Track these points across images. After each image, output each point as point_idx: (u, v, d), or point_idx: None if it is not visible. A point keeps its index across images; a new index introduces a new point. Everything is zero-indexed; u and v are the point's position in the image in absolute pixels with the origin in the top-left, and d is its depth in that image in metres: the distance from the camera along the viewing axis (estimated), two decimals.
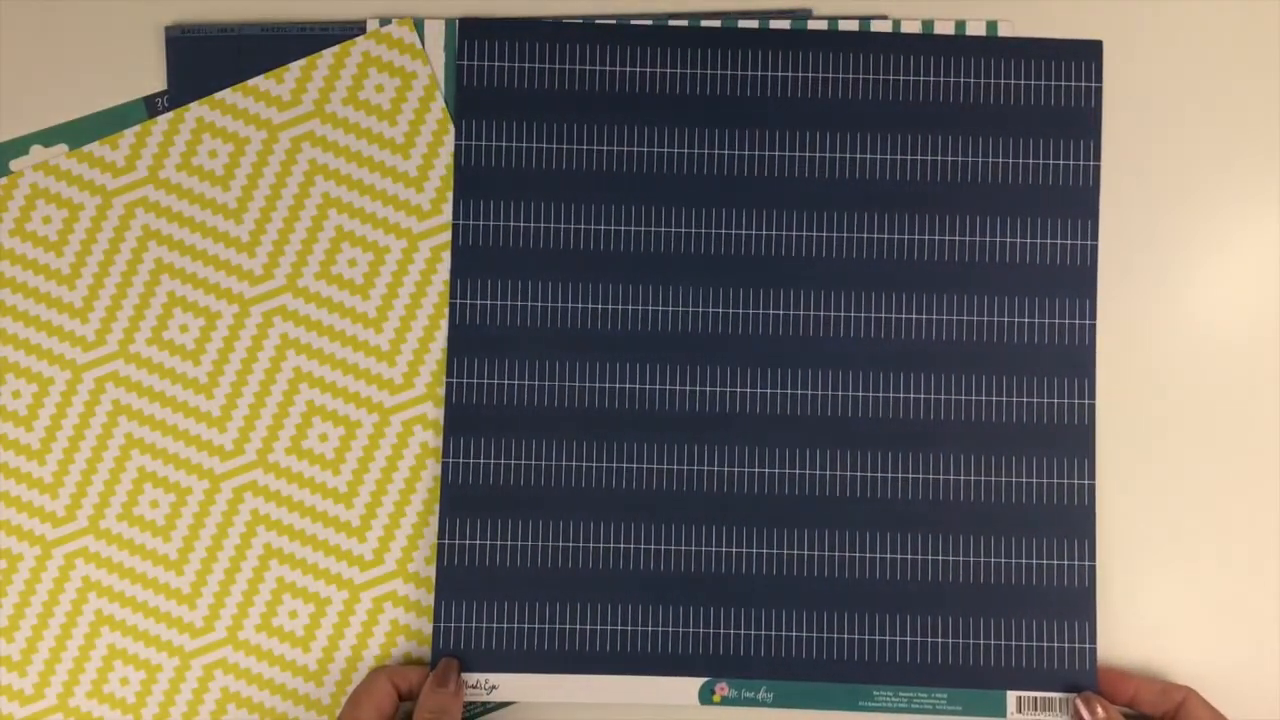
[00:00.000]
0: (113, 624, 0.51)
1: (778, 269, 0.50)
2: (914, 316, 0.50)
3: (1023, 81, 0.50)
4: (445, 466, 0.50)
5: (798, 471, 0.50)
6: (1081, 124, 0.50)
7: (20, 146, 0.51)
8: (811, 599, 0.49)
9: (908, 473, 0.50)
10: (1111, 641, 0.50)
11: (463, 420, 0.50)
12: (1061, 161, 0.50)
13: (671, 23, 0.51)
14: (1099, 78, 0.50)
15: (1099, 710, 0.47)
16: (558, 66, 0.51)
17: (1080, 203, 0.50)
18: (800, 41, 0.50)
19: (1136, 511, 0.50)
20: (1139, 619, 0.50)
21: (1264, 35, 0.51)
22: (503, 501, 0.50)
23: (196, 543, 0.51)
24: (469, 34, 0.51)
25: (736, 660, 0.50)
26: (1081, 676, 0.49)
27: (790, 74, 0.50)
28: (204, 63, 0.51)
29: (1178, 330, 0.51)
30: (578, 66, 0.51)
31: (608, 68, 0.51)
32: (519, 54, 0.51)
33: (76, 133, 0.51)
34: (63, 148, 0.51)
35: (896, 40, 0.50)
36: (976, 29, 0.50)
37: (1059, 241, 0.50)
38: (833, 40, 0.50)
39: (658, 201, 0.51)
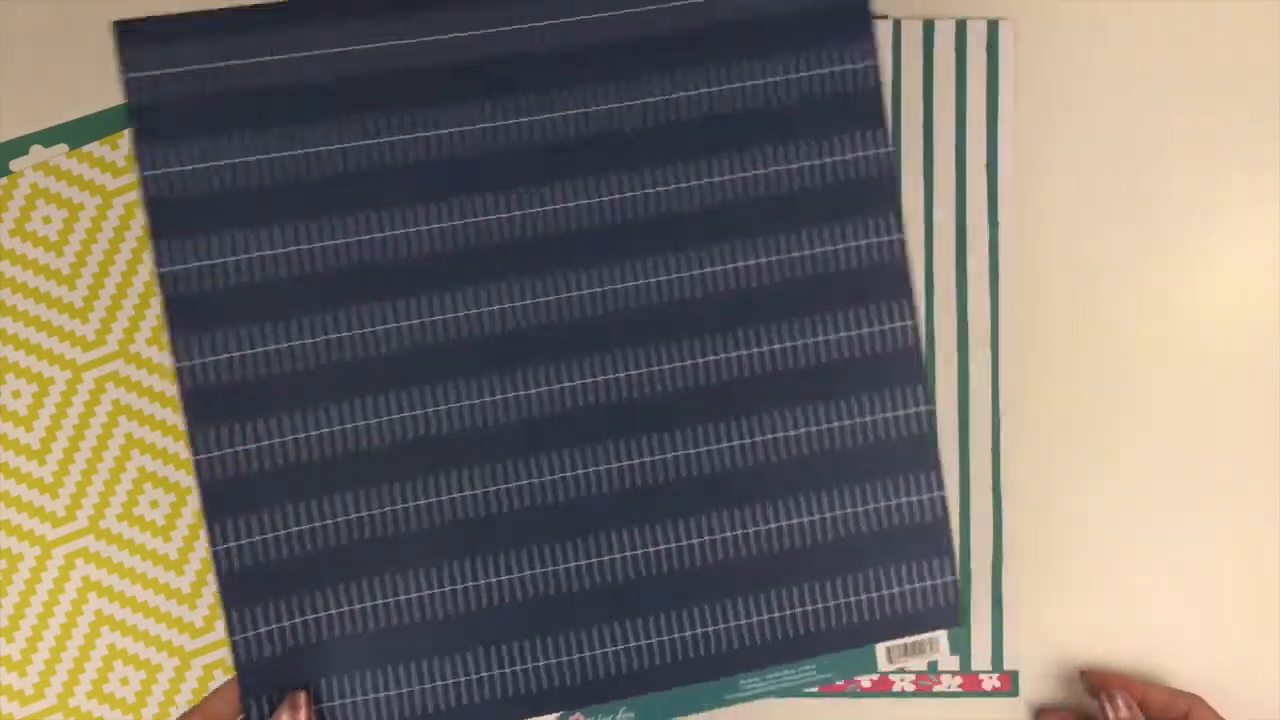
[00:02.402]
0: (113, 624, 0.51)
1: (550, 253, 0.46)
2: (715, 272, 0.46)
3: (791, 76, 0.46)
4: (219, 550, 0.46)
5: (608, 466, 0.46)
6: (866, 109, 0.46)
7: (20, 146, 0.51)
8: (653, 601, 0.46)
9: (727, 441, 0.46)
10: (1115, 646, 0.50)
11: (222, 498, 0.46)
12: (850, 156, 0.46)
13: None
14: (872, 55, 0.47)
15: (1121, 708, 0.45)
16: (244, 62, 0.45)
17: (879, 194, 0.47)
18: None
19: (1134, 509, 0.50)
20: (1140, 622, 0.50)
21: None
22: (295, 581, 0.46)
23: (196, 543, 0.51)
24: (129, 41, 0.45)
25: (588, 687, 0.46)
26: (946, 613, 0.47)
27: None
28: None
29: (1163, 328, 0.51)
30: (269, 58, 0.45)
31: (305, 54, 0.45)
32: (194, 54, 0.45)
33: (76, 133, 0.51)
34: (63, 148, 0.51)
35: (653, 54, 0.46)
36: (978, 29, 0.50)
37: (863, 242, 0.47)
38: (573, 64, 0.46)
39: (388, 200, 0.45)
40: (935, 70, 0.50)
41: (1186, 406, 0.51)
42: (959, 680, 0.48)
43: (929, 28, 0.50)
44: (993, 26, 0.50)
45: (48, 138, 0.51)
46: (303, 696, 0.45)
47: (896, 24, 0.50)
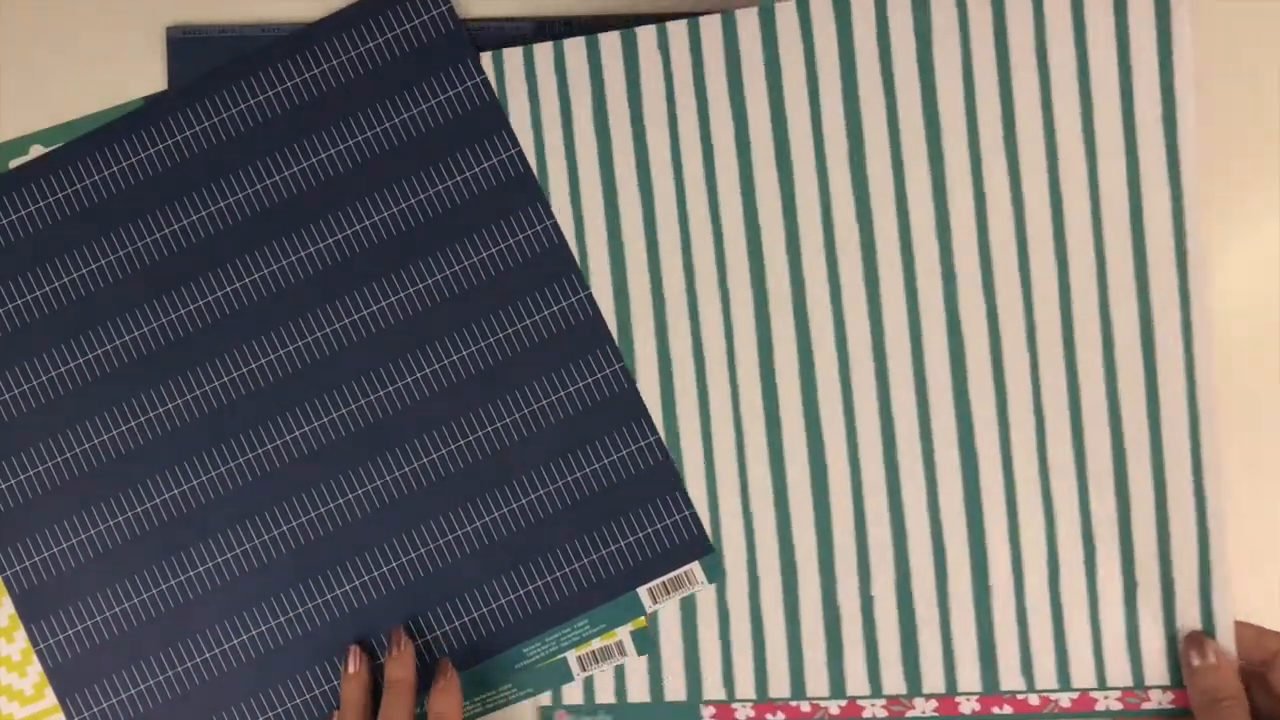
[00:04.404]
0: None
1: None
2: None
3: (411, 112, 0.50)
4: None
5: (365, 488, 0.50)
6: (487, 122, 0.50)
7: (20, 146, 0.51)
8: (425, 600, 0.50)
9: (466, 437, 0.50)
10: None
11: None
12: (486, 164, 0.50)
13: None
14: (478, 72, 0.50)
15: (1210, 654, 0.45)
16: None
17: (523, 191, 0.50)
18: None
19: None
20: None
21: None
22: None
23: None
24: None
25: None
26: (693, 544, 0.50)
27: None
28: (204, 63, 0.51)
29: None
30: None
31: None
32: None
33: (76, 133, 0.51)
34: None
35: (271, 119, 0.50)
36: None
37: (520, 236, 0.50)
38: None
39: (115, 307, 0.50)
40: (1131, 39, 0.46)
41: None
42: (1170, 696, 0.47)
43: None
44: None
45: (48, 138, 0.51)
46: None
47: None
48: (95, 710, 0.50)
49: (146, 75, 0.51)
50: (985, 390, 0.47)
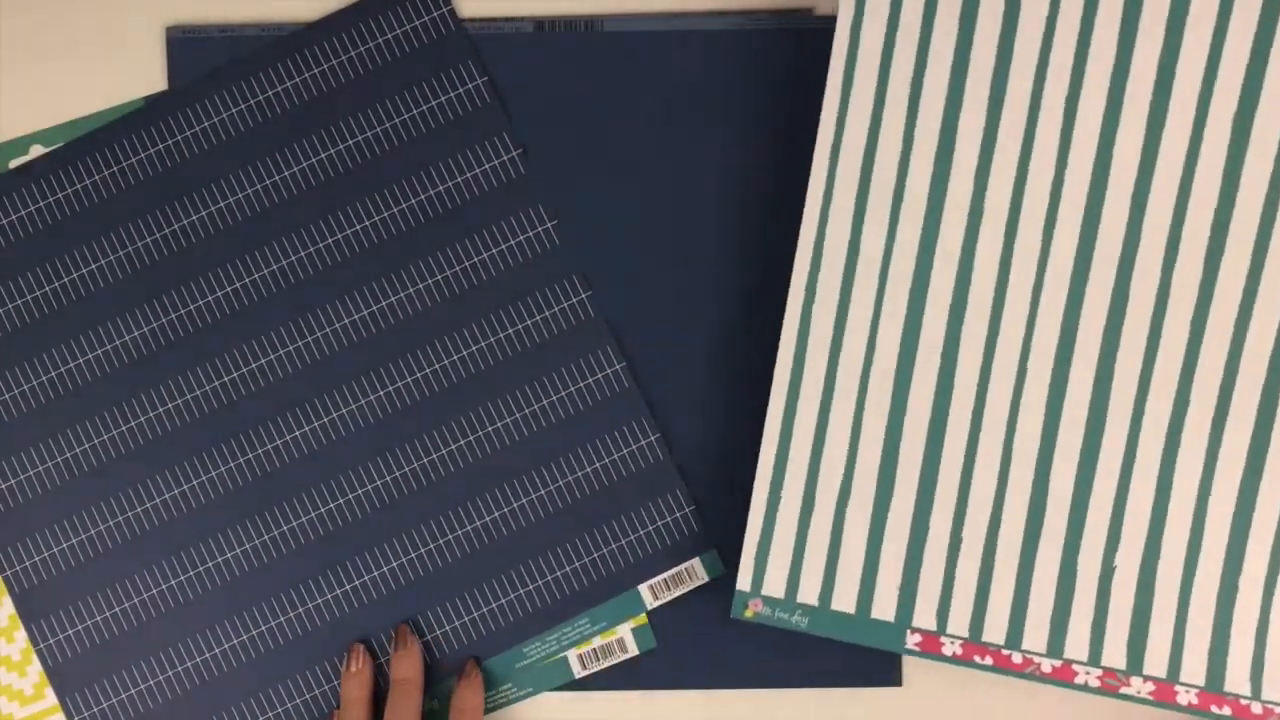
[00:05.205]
0: None
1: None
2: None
3: (414, 111, 0.50)
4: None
5: (359, 490, 0.50)
6: (487, 123, 0.50)
7: (20, 146, 0.51)
8: (425, 600, 0.50)
9: (465, 437, 0.50)
10: None
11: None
12: (487, 165, 0.50)
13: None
14: (479, 73, 0.50)
15: None
16: None
17: (522, 193, 0.50)
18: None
19: None
20: None
21: None
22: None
23: None
24: None
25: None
26: (696, 540, 0.50)
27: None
28: (204, 63, 0.51)
29: None
30: None
31: None
32: None
33: (76, 133, 0.51)
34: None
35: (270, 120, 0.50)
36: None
37: (520, 238, 0.50)
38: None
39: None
40: None
41: None
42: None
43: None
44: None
45: (48, 138, 0.51)
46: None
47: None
48: (95, 710, 0.50)
49: (146, 75, 0.51)
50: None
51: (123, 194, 0.50)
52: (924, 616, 0.46)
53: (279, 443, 0.50)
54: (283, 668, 0.50)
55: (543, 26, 0.51)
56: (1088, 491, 0.46)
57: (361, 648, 0.49)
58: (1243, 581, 0.45)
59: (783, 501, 0.47)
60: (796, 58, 0.51)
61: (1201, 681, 0.45)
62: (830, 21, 0.50)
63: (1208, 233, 0.45)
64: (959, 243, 0.45)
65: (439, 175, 0.50)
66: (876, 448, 0.46)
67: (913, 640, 0.46)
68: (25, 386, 0.50)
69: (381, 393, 0.50)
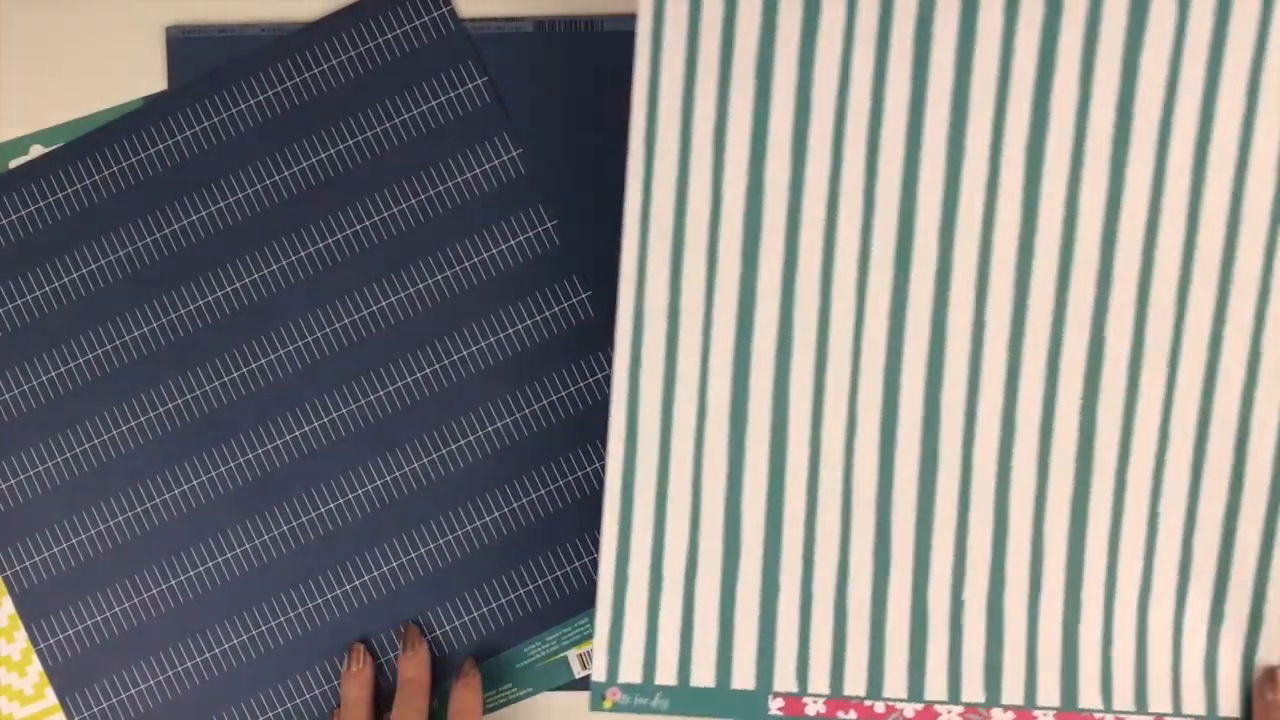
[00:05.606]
0: None
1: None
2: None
3: (414, 111, 0.50)
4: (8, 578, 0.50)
5: (359, 491, 0.50)
6: (488, 124, 0.50)
7: (20, 146, 0.51)
8: (425, 600, 0.50)
9: (465, 437, 0.50)
10: None
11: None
12: (487, 165, 0.50)
13: None
14: (480, 73, 0.50)
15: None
16: None
17: (523, 193, 0.50)
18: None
19: None
20: None
21: None
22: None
23: None
24: None
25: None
26: None
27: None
28: (204, 63, 0.51)
29: None
30: None
31: None
32: None
33: (76, 133, 0.51)
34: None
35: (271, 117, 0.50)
36: None
37: (520, 238, 0.50)
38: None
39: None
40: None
41: None
42: None
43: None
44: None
45: (48, 138, 0.51)
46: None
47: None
48: (95, 710, 0.50)
49: (146, 75, 0.51)
50: (1114, 412, 0.45)
51: (123, 194, 0.50)
52: (784, 679, 0.46)
53: (279, 442, 0.50)
54: (283, 668, 0.50)
55: (543, 26, 0.51)
56: (929, 531, 0.46)
57: (362, 647, 0.50)
58: (1084, 599, 0.45)
59: (630, 582, 0.45)
60: None
61: (1057, 702, 0.46)
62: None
63: (1014, 269, 0.44)
64: (777, 284, 0.45)
65: (439, 175, 0.50)
66: (718, 512, 0.45)
67: (775, 706, 0.46)
68: (25, 386, 0.50)
69: (382, 392, 0.50)
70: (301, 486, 0.50)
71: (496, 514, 0.50)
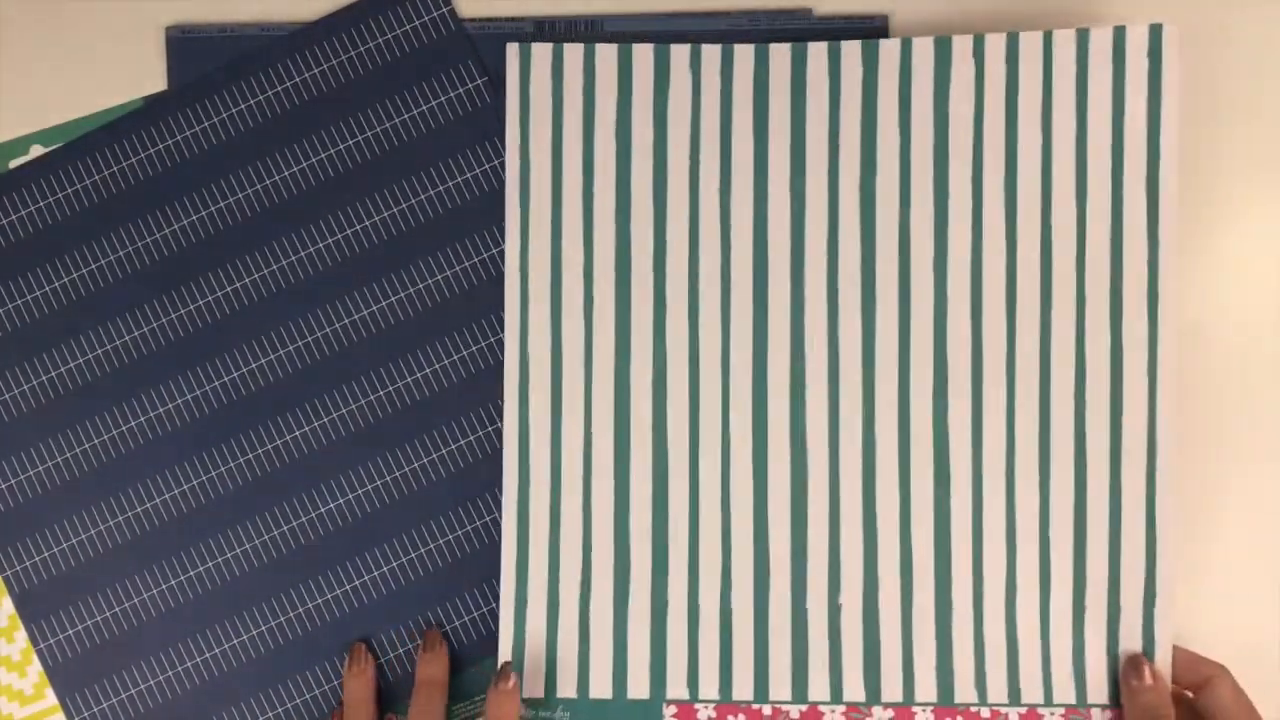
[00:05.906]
0: None
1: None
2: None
3: (414, 111, 0.50)
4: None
5: (359, 491, 0.50)
6: (488, 124, 0.50)
7: (20, 146, 0.51)
8: (425, 600, 0.50)
9: (465, 438, 0.50)
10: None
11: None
12: (487, 165, 0.50)
13: None
14: (480, 73, 0.50)
15: (1147, 675, 0.46)
16: None
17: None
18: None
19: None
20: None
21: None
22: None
23: None
24: None
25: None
26: None
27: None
28: (204, 63, 0.51)
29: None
30: None
31: None
32: None
33: (76, 133, 0.51)
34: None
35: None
36: (1138, 36, 0.47)
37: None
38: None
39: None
40: (1090, 81, 0.47)
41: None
42: None
43: (1083, 36, 0.47)
44: (1155, 32, 0.47)
45: (48, 138, 0.51)
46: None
47: (1047, 36, 0.47)
48: (95, 710, 0.50)
49: (146, 75, 0.51)
50: (963, 419, 0.48)
51: (123, 194, 0.50)
52: (676, 688, 0.49)
53: (279, 442, 0.50)
54: (283, 668, 0.50)
55: (543, 26, 0.51)
56: (804, 541, 0.49)
57: (363, 647, 0.50)
58: (954, 599, 0.48)
59: (529, 604, 0.49)
60: None
61: (934, 698, 0.48)
62: (830, 22, 0.50)
63: (859, 292, 0.49)
64: (649, 318, 0.49)
65: (439, 175, 0.50)
66: (608, 536, 0.49)
67: (670, 713, 0.49)
68: (25, 386, 0.50)
69: (382, 392, 0.50)
70: (301, 486, 0.50)
71: (497, 513, 0.50)
